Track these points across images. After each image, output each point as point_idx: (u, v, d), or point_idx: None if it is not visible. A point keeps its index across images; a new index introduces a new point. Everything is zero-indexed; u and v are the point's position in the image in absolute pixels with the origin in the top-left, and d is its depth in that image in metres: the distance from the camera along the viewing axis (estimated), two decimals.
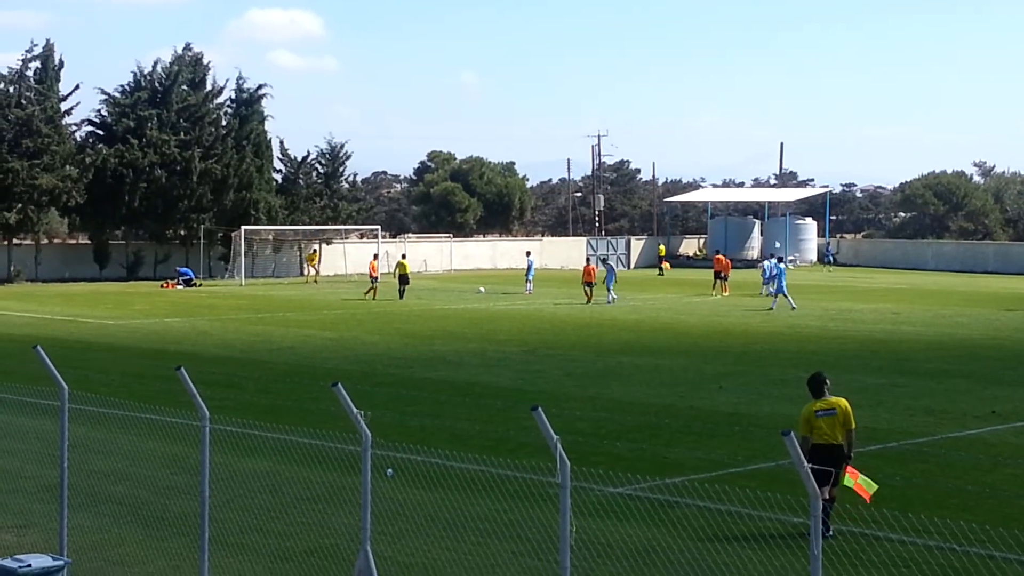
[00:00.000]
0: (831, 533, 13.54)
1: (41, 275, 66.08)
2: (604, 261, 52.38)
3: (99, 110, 71.39)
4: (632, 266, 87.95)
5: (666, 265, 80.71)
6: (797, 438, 13.00)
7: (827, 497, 13.68)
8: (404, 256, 57.23)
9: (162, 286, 62.50)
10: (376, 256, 57.83)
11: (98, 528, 14.01)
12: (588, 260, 52.02)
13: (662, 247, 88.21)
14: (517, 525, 13.55)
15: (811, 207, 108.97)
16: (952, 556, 12.40)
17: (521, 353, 32.26)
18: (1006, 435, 20.58)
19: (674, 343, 35.38)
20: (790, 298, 47.79)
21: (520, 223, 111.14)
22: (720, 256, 59.95)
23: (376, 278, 54.06)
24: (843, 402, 14.38)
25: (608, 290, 50.31)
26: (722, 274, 57.03)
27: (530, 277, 57.26)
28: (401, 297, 52.04)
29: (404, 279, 53.31)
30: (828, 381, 14.51)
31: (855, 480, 13.36)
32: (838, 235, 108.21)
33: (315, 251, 72.64)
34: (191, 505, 13.40)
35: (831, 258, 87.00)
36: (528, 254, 60.46)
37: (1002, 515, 14.49)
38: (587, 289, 50.57)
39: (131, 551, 13.17)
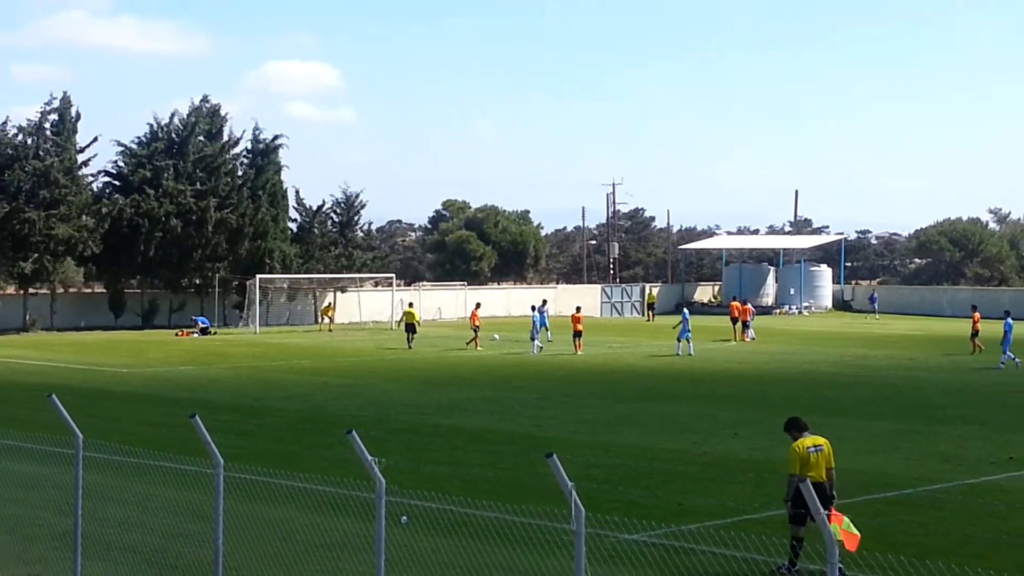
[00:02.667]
0: (797, 568, 13.83)
1: (56, 324, 66.32)
2: (534, 307, 51.74)
3: (116, 161, 71.99)
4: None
5: (649, 314, 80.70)
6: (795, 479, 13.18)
7: (801, 536, 13.86)
8: (411, 304, 56.91)
9: (177, 334, 62.64)
10: (479, 305, 56.00)
11: None
12: (578, 308, 51.20)
13: (652, 292, 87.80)
14: (532, 572, 13.50)
15: (826, 254, 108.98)
16: None
17: (535, 400, 32.22)
18: (1023, 482, 20.45)
19: (688, 390, 35.30)
20: (691, 344, 48.19)
21: (535, 271, 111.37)
22: (735, 303, 59.95)
23: (478, 327, 52.17)
24: (825, 440, 14.57)
25: (532, 338, 49.56)
26: (739, 320, 57.22)
27: (538, 331, 50.89)
28: (410, 347, 51.25)
29: (411, 328, 52.45)
30: None
31: (840, 526, 13.38)
32: (853, 281, 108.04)
33: (330, 304, 72.65)
34: (205, 553, 13.37)
35: (875, 306, 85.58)
36: (544, 303, 58.18)
37: (1018, 563, 14.39)
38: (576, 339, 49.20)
39: None
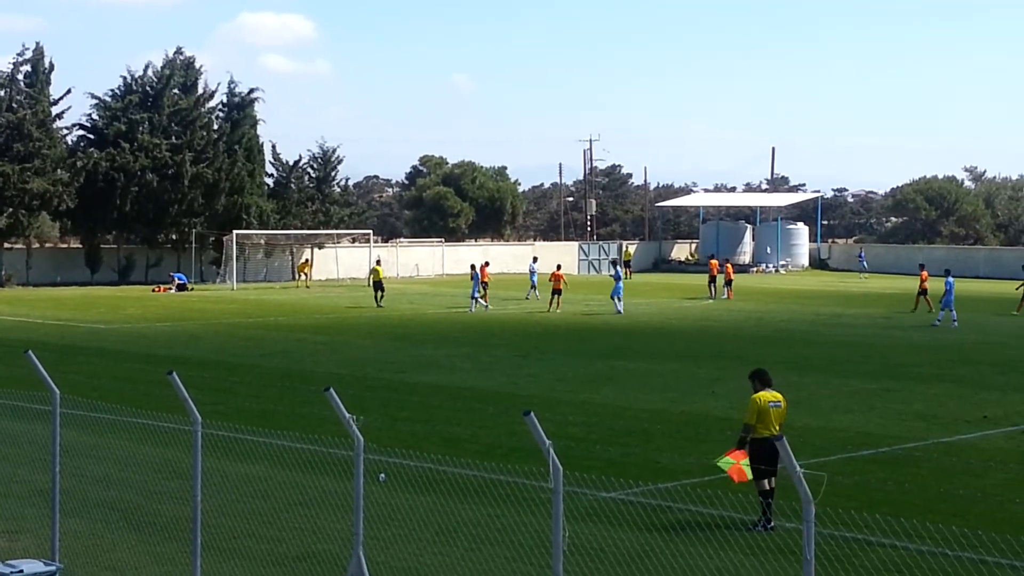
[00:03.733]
0: (772, 526, 13.92)
1: (32, 279, 65.98)
2: (473, 267, 51.68)
3: (90, 114, 71.45)
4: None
5: (626, 271, 79.96)
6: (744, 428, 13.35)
7: (767, 488, 13.97)
8: (379, 262, 56.26)
9: (154, 290, 62.40)
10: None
11: (90, 533, 13.97)
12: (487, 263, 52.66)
13: (628, 250, 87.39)
14: (509, 530, 13.55)
15: (803, 212, 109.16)
16: (944, 561, 12.41)
17: (513, 357, 32.26)
18: (997, 440, 20.62)
19: (666, 347, 35.39)
20: (619, 303, 47.18)
21: (512, 228, 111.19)
22: (714, 260, 60.07)
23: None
24: (783, 397, 14.95)
25: (474, 299, 49.24)
26: (717, 278, 57.55)
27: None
28: (379, 304, 50.44)
29: (379, 285, 51.43)
30: None
31: (739, 462, 13.68)
32: (830, 240, 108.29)
33: (307, 260, 72.32)
34: (183, 510, 13.38)
35: (864, 264, 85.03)
36: (535, 260, 58.57)
37: (993, 519, 14.51)
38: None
39: (123, 556, 13.15)
